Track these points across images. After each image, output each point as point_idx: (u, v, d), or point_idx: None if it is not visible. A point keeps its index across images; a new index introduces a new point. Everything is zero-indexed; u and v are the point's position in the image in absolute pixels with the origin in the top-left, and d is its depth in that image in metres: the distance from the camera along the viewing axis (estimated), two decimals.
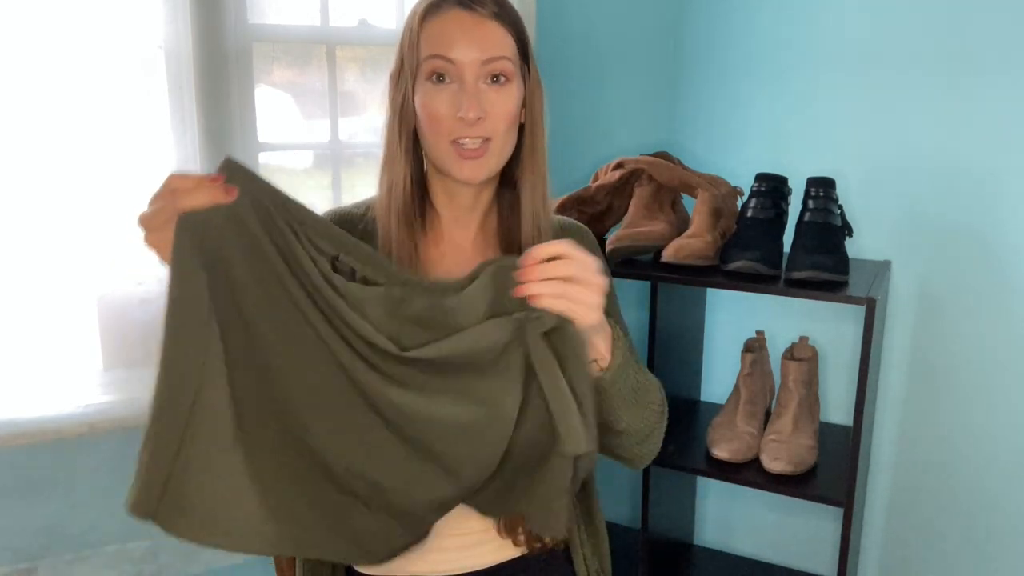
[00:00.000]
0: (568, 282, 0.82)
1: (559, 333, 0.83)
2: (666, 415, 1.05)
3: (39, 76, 1.28)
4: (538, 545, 1.05)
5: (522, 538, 1.04)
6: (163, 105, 1.39)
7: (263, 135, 1.48)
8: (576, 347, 0.83)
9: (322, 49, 1.54)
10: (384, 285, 0.84)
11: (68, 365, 1.37)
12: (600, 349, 0.90)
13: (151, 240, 0.79)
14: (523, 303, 0.82)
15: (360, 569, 1.06)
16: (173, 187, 0.78)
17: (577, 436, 0.82)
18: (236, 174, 0.79)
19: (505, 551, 1.06)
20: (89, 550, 1.43)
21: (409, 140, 1.00)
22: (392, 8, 1.61)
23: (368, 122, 1.62)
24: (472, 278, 0.84)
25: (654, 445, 1.04)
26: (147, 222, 0.79)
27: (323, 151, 1.58)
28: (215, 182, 0.78)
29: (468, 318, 0.83)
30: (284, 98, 1.54)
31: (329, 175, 1.59)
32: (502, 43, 0.94)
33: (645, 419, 0.99)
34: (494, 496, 0.93)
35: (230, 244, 0.79)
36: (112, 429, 1.37)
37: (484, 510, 0.96)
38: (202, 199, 0.77)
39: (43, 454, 1.37)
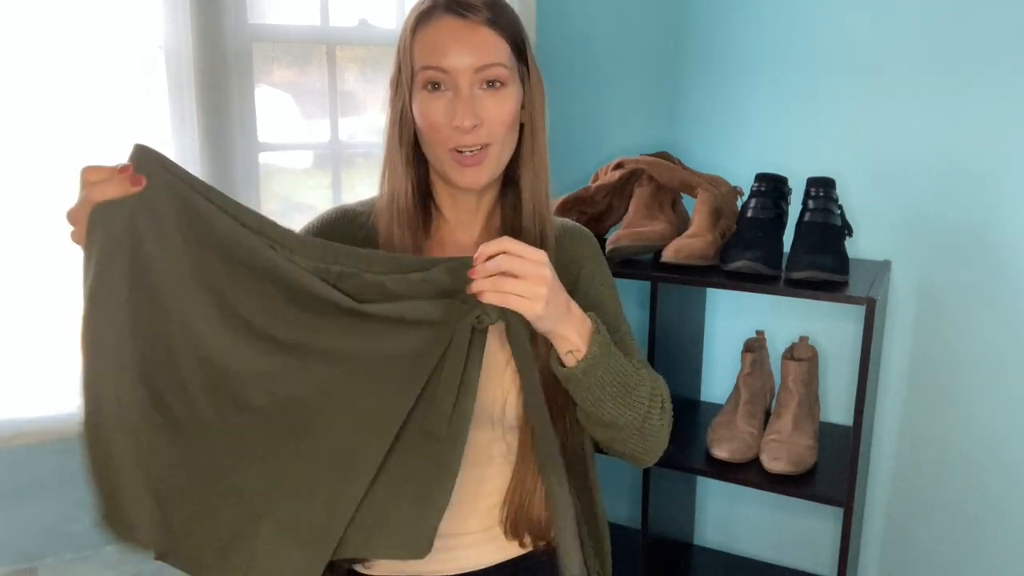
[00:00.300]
0: (508, 277, 0.84)
1: (509, 326, 0.86)
2: (669, 412, 1.03)
3: (39, 76, 1.28)
4: (542, 544, 1.05)
5: (527, 539, 1.04)
6: (163, 105, 1.39)
7: (263, 135, 1.48)
8: (517, 338, 0.86)
9: (322, 49, 1.54)
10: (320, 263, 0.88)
11: (68, 365, 1.36)
12: (572, 340, 0.91)
13: (75, 237, 0.83)
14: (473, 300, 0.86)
15: (360, 569, 1.06)
16: (86, 180, 0.81)
17: (439, 415, 0.86)
18: (145, 162, 0.80)
19: (505, 551, 1.06)
20: (89, 550, 1.43)
21: (409, 147, 1.00)
22: (392, 8, 1.61)
23: (368, 122, 1.62)
24: (431, 265, 0.87)
25: (655, 442, 1.03)
26: (70, 217, 0.83)
27: (323, 151, 1.58)
28: (123, 172, 0.79)
29: (414, 294, 0.87)
30: (284, 98, 1.54)
31: (329, 175, 1.59)
32: (495, 49, 0.94)
33: (634, 412, 0.97)
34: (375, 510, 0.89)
35: (143, 230, 0.81)
36: None
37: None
38: (112, 190, 0.79)
39: (43, 454, 1.36)
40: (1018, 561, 1.62)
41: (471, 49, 0.93)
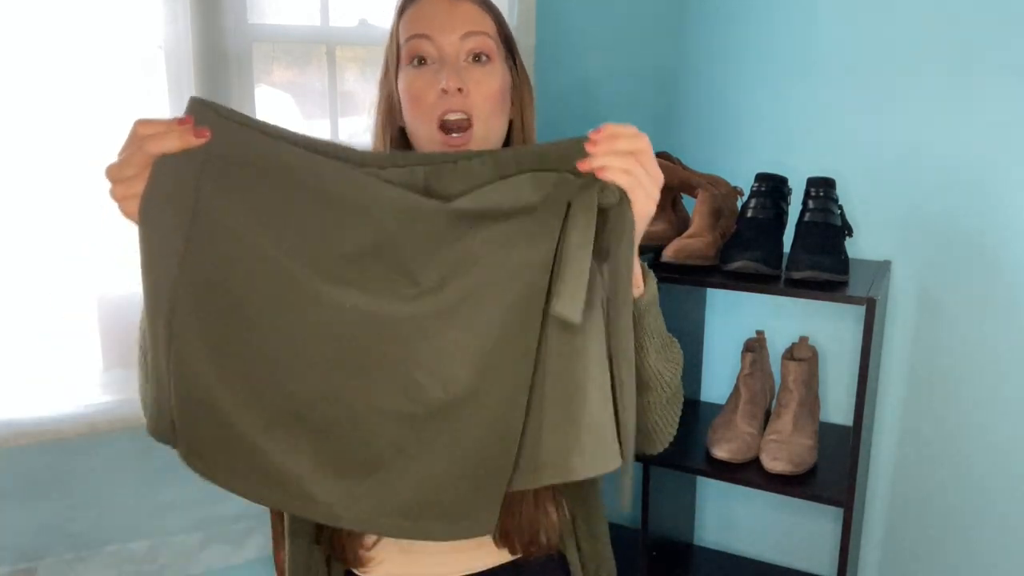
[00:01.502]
0: (636, 159, 0.76)
1: (615, 212, 0.76)
2: (681, 389, 0.99)
3: (39, 76, 1.28)
4: (534, 549, 1.03)
5: (518, 546, 1.01)
6: (163, 105, 1.39)
7: None
8: (629, 230, 0.76)
9: (322, 49, 1.54)
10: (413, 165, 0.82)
11: (68, 365, 1.36)
12: (638, 271, 0.84)
13: (119, 193, 0.77)
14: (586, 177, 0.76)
15: (359, 573, 1.06)
16: (141, 134, 0.75)
17: (575, 301, 0.74)
18: (204, 113, 0.77)
19: (501, 555, 1.05)
20: (89, 550, 1.43)
21: (394, 143, 1.00)
22: (392, 8, 1.60)
23: (368, 122, 1.62)
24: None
25: (674, 415, 0.98)
26: (116, 173, 0.76)
27: None
28: (184, 124, 0.75)
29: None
30: (284, 98, 1.54)
31: None
32: (480, 20, 0.94)
33: (671, 370, 0.93)
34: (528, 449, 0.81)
35: (214, 180, 0.78)
36: (112, 429, 1.37)
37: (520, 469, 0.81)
38: (173, 143, 0.75)
39: (43, 454, 1.37)
40: (1018, 561, 1.62)
41: (457, 19, 0.93)
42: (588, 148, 0.76)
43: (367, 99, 1.63)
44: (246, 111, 1.44)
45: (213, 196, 0.78)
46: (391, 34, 0.98)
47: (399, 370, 0.81)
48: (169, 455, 1.50)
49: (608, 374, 0.79)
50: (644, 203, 0.77)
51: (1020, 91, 1.49)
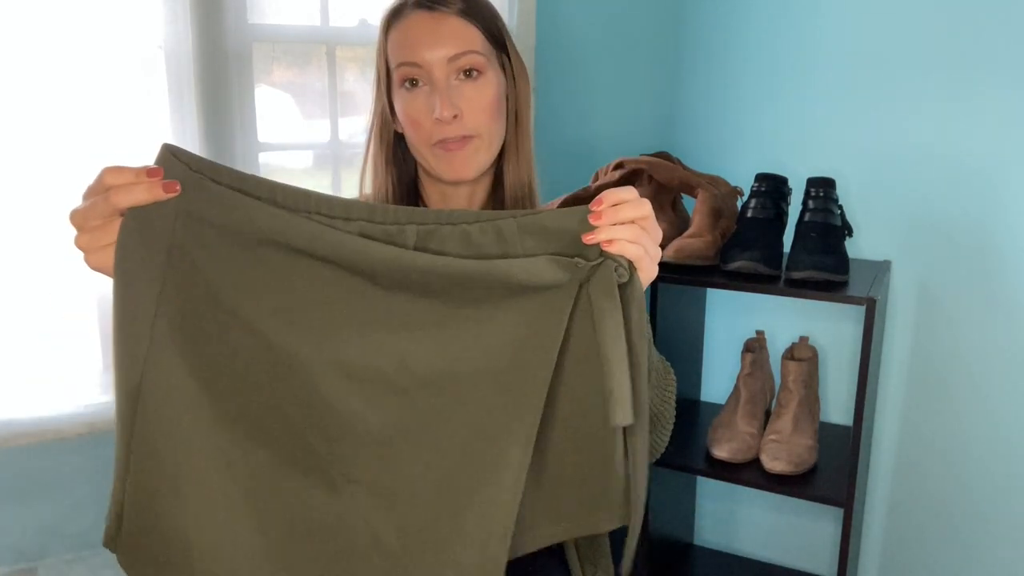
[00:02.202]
0: (640, 226, 0.75)
1: (626, 286, 0.75)
2: (674, 404, 1.01)
3: (39, 76, 1.28)
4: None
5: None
6: (163, 105, 1.39)
7: (263, 135, 1.48)
8: (641, 303, 0.75)
9: (322, 49, 1.54)
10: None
11: (68, 365, 1.36)
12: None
13: (83, 242, 0.73)
14: (591, 251, 0.74)
15: None
16: (107, 183, 0.71)
17: (627, 404, 0.73)
18: (173, 164, 0.73)
19: None
20: (89, 550, 1.43)
21: (390, 149, 1.00)
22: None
23: (368, 122, 1.62)
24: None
25: (664, 434, 1.01)
26: (80, 220, 0.73)
27: (323, 151, 1.58)
28: (153, 176, 0.71)
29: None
30: (284, 98, 1.54)
31: (329, 175, 1.59)
32: (467, 37, 0.93)
33: (667, 402, 0.96)
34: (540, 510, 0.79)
35: (188, 238, 0.73)
36: (112, 429, 1.36)
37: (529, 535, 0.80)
38: (141, 196, 0.71)
39: (43, 454, 1.36)
40: (1018, 561, 1.62)
41: (442, 40, 0.92)
42: (592, 220, 0.74)
43: (367, 99, 1.63)
44: (246, 111, 1.45)
45: (185, 255, 0.74)
46: (379, 50, 0.97)
47: (377, 434, 0.76)
48: None
49: (622, 439, 0.78)
50: (650, 269, 0.78)
51: (1020, 91, 1.49)
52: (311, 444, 0.76)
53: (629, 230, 0.74)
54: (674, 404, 1.00)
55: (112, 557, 0.74)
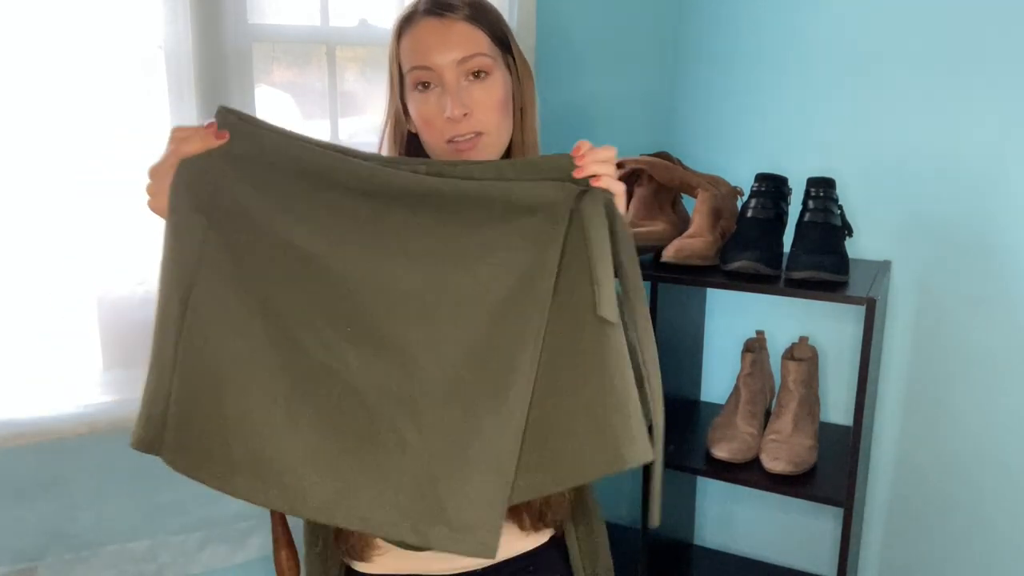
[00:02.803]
0: (610, 165, 0.88)
1: (611, 210, 0.86)
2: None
3: (39, 76, 1.28)
4: (541, 526, 1.06)
5: (527, 522, 1.05)
6: (163, 105, 1.39)
7: None
8: (624, 218, 0.87)
9: (322, 49, 1.54)
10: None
11: (68, 365, 1.36)
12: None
13: (151, 188, 0.88)
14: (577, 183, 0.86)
15: (359, 568, 1.06)
16: (174, 137, 0.87)
17: (613, 302, 0.82)
18: (227, 118, 0.88)
19: (503, 550, 1.06)
20: (89, 550, 1.43)
21: (403, 148, 1.06)
22: (392, 8, 1.60)
23: (368, 122, 1.62)
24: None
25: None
26: (152, 171, 0.88)
27: None
28: (208, 129, 0.87)
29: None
30: (284, 98, 1.54)
31: None
32: (475, 41, 0.98)
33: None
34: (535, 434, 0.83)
35: (230, 177, 0.87)
36: (112, 429, 1.37)
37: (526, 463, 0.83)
38: (196, 144, 0.86)
39: (43, 454, 1.36)
40: (1018, 561, 1.62)
41: (451, 44, 0.97)
42: (577, 160, 0.86)
43: (367, 99, 1.63)
44: (246, 111, 1.45)
45: (232, 186, 0.87)
46: (392, 55, 1.03)
47: (399, 344, 0.85)
48: None
49: (631, 366, 0.83)
50: (623, 199, 0.90)
51: (1020, 91, 1.49)
52: (345, 354, 0.86)
53: (607, 167, 0.87)
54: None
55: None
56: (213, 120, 0.88)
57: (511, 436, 0.81)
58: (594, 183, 0.86)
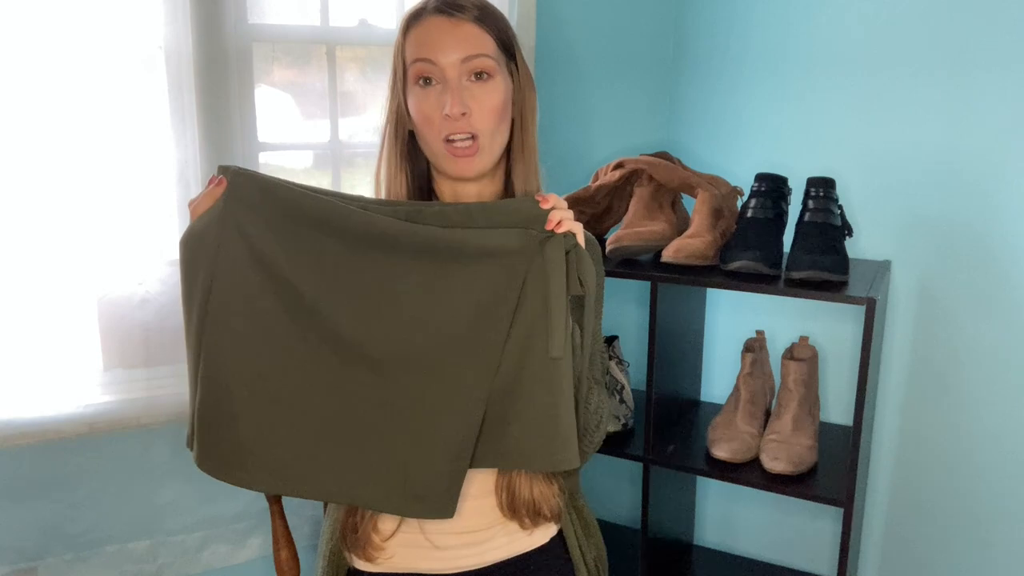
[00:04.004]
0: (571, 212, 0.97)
1: (576, 252, 0.96)
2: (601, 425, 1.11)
3: (40, 76, 1.28)
4: (540, 520, 1.08)
5: (526, 519, 1.06)
6: (163, 105, 1.39)
7: (263, 135, 1.48)
8: (587, 257, 0.97)
9: (322, 49, 1.54)
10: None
11: (68, 365, 1.37)
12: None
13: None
14: (539, 228, 0.95)
15: (363, 568, 1.07)
16: (192, 208, 0.97)
17: (561, 341, 0.94)
18: (227, 171, 0.97)
19: (504, 550, 1.07)
20: (89, 550, 1.43)
21: (404, 144, 1.06)
22: (392, 8, 1.61)
23: (368, 122, 1.62)
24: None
25: (586, 441, 1.08)
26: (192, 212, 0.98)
27: (323, 151, 1.58)
28: (211, 183, 0.96)
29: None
30: (284, 98, 1.54)
31: (329, 175, 1.59)
32: (480, 42, 0.99)
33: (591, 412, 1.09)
34: (489, 433, 0.97)
35: (234, 220, 0.96)
36: (112, 429, 1.37)
37: (482, 457, 0.99)
38: (205, 202, 0.96)
39: (43, 454, 1.37)
40: (1019, 561, 1.62)
41: (457, 42, 0.98)
42: (544, 205, 0.94)
43: (367, 99, 1.64)
44: (246, 111, 1.45)
45: (233, 229, 0.96)
46: (397, 49, 1.03)
47: (381, 363, 0.96)
48: (169, 455, 1.51)
49: (572, 388, 0.99)
50: (582, 234, 0.99)
51: (1020, 91, 1.49)
52: (332, 364, 0.97)
53: (568, 212, 0.96)
54: (601, 424, 1.10)
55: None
56: (216, 176, 0.98)
57: (469, 431, 0.96)
58: (558, 229, 0.94)
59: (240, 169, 0.97)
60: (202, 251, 0.96)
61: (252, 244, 0.95)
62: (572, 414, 0.97)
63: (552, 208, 0.95)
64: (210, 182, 0.96)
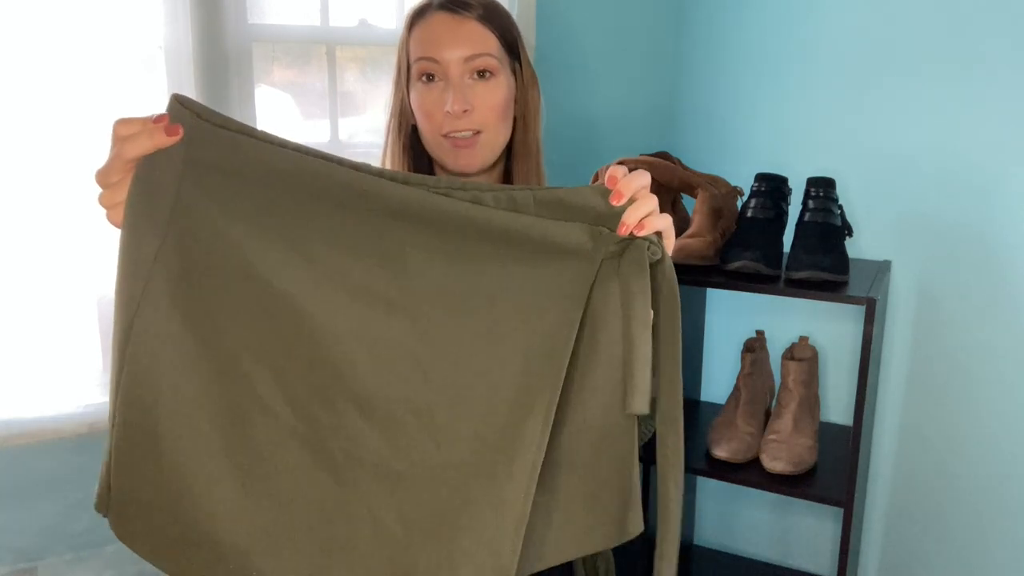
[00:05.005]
0: (649, 190, 0.71)
1: (656, 264, 0.69)
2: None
3: (39, 76, 1.28)
4: None
5: None
6: (163, 105, 1.39)
7: None
8: (673, 280, 0.70)
9: (322, 49, 1.54)
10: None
11: (68, 365, 1.36)
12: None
13: (104, 200, 0.74)
14: (611, 224, 0.69)
15: None
16: (120, 135, 0.72)
17: (646, 394, 0.68)
18: (183, 113, 0.72)
19: None
20: (89, 550, 1.43)
21: (408, 139, 1.06)
22: (392, 8, 1.61)
23: (368, 122, 1.62)
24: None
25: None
26: (101, 179, 0.73)
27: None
28: (158, 122, 0.72)
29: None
30: (284, 98, 1.54)
31: None
32: (484, 41, 0.99)
33: None
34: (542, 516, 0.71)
35: (194, 188, 0.71)
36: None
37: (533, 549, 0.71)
38: (146, 143, 0.71)
39: (43, 454, 1.36)
40: (1019, 561, 1.62)
41: (461, 40, 0.98)
42: (614, 201, 0.69)
43: (367, 99, 1.63)
44: (246, 111, 1.45)
45: (192, 203, 0.72)
46: (401, 44, 1.03)
47: (386, 407, 0.70)
48: None
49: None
50: (672, 233, 0.74)
51: (1020, 91, 1.49)
52: (314, 413, 0.71)
53: (649, 202, 0.70)
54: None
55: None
56: (164, 112, 0.72)
57: (510, 526, 0.67)
58: (638, 232, 0.69)
59: (201, 117, 0.72)
60: (149, 218, 0.71)
61: (217, 238, 0.71)
62: (637, 472, 0.73)
63: (629, 203, 0.69)
64: (156, 120, 0.72)
